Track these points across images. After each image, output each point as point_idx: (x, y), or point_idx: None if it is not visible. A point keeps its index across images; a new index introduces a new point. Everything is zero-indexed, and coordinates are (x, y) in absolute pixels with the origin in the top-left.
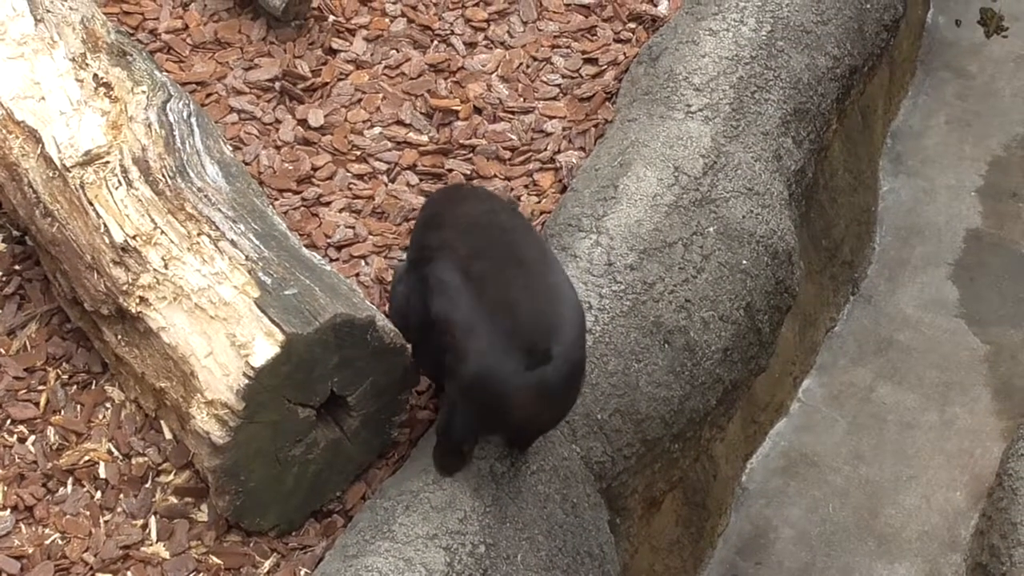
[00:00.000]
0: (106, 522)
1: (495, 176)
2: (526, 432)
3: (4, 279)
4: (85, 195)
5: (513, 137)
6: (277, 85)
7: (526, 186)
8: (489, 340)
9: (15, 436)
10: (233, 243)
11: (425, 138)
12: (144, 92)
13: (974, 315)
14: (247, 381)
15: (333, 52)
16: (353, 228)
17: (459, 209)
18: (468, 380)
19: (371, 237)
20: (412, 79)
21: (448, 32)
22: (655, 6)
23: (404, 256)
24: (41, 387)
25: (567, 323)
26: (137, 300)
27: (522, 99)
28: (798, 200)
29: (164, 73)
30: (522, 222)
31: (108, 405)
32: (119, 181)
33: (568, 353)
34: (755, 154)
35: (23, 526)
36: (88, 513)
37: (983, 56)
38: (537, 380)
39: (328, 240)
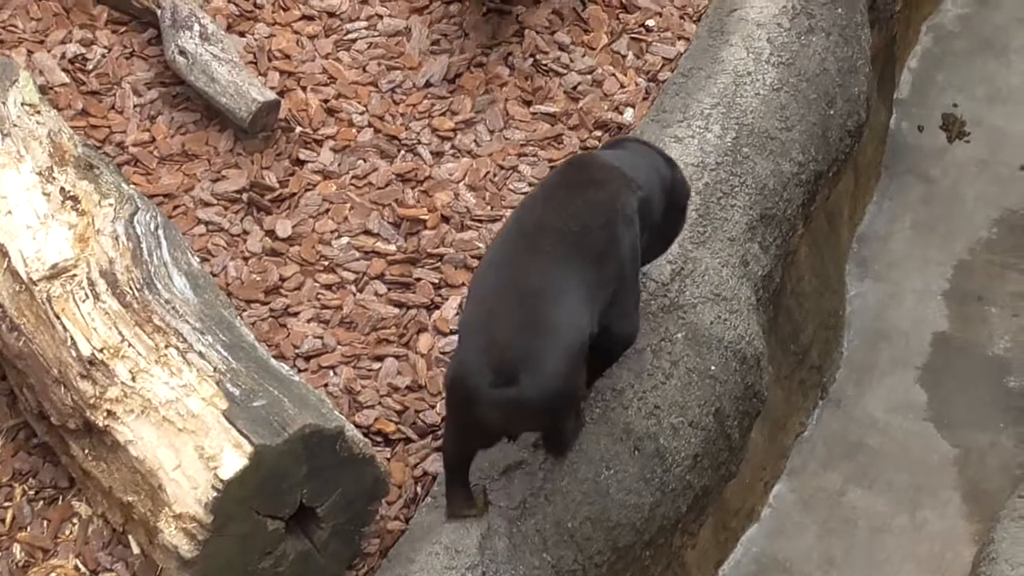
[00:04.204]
0: None
1: (463, 284)
2: (502, 436)
3: None
4: (52, 308)
5: (481, 245)
6: (244, 196)
7: None
8: (467, 350)
9: None
10: (201, 355)
11: (393, 247)
12: (111, 205)
13: (942, 418)
14: (215, 494)
15: (300, 163)
16: (321, 338)
17: (528, 210)
18: (446, 382)
19: (339, 347)
20: (379, 189)
21: (415, 142)
22: (620, 114)
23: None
24: (7, 503)
25: (548, 355)
26: (104, 414)
27: (490, 207)
28: (766, 305)
29: (131, 186)
30: (579, 235)
31: (75, 520)
32: (86, 294)
33: (539, 382)
34: (722, 260)
35: None
36: None
37: (946, 161)
38: (503, 399)
39: (296, 350)
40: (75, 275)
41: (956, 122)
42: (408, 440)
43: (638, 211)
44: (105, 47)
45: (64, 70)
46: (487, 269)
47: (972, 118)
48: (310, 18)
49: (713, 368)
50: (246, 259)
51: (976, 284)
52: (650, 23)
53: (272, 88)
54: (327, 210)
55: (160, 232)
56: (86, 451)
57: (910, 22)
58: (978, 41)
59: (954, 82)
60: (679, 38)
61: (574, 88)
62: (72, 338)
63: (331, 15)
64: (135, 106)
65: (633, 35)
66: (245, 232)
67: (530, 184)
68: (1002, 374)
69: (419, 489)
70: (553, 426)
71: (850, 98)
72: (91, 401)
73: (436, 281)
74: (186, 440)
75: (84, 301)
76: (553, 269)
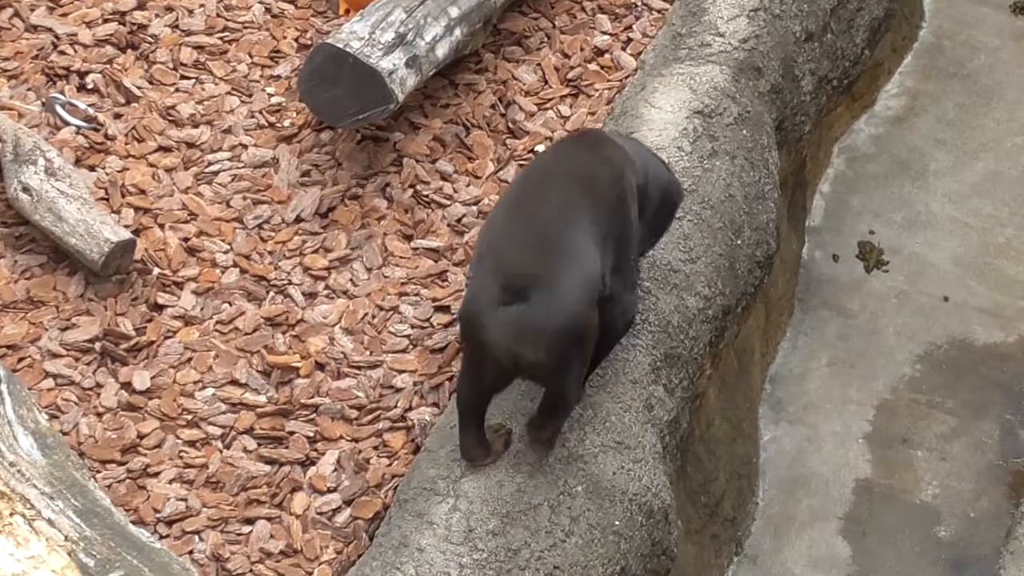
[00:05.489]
0: None
1: (341, 437)
2: (513, 373)
3: None
4: None
5: (360, 394)
6: (97, 346)
7: (375, 448)
8: (478, 276)
9: None
10: (51, 522)
11: (263, 398)
12: None
13: (867, 573)
14: None
15: (159, 308)
16: (185, 500)
17: (548, 152)
18: (460, 312)
19: (205, 510)
20: (247, 334)
21: (285, 282)
22: None
23: None
24: None
25: (562, 276)
26: None
27: (368, 352)
28: (673, 453)
29: None
30: (590, 181)
31: None
32: None
33: (549, 300)
34: (624, 404)
35: None
36: None
37: (864, 292)
38: (511, 317)
39: (157, 515)
40: None
41: (873, 250)
42: None
43: (636, 194)
44: None
45: None
46: (497, 211)
47: (890, 246)
48: (167, 149)
49: (617, 523)
50: (100, 415)
51: (900, 426)
52: (539, 148)
53: (126, 226)
54: (189, 359)
55: (3, 387)
56: None
57: (821, 144)
58: (894, 163)
59: (870, 207)
60: None
61: (458, 220)
62: None
63: (190, 146)
64: None
65: (522, 162)
66: (99, 385)
67: (413, 326)
68: (931, 523)
69: None
70: (558, 366)
71: (758, 226)
72: None
73: (311, 434)
74: None
75: None
76: (567, 204)
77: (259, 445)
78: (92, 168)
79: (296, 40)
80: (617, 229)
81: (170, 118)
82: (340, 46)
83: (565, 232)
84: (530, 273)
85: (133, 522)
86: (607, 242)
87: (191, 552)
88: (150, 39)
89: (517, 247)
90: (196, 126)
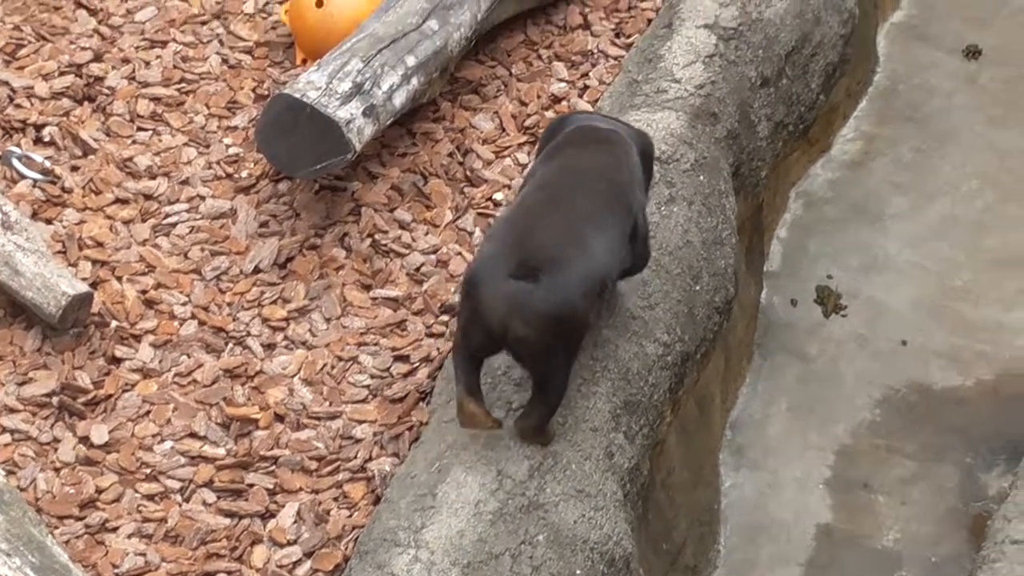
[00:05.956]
0: None
1: (301, 489)
2: (500, 342)
3: None
4: None
5: (319, 445)
6: (55, 400)
7: (336, 499)
8: (496, 243)
9: None
10: None
11: (222, 451)
12: None
13: None
14: None
15: (117, 361)
16: (144, 555)
17: (570, 148)
18: (466, 272)
19: (165, 565)
20: (206, 387)
21: (244, 333)
22: None
23: None
24: None
25: (574, 268)
26: None
27: (328, 403)
28: (634, 500)
29: None
30: (616, 185)
31: None
32: None
33: (557, 286)
34: (584, 452)
35: None
36: None
37: (823, 337)
38: (515, 290)
39: (116, 570)
40: None
41: (831, 295)
42: None
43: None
44: None
45: None
46: (531, 192)
47: (848, 290)
48: (124, 201)
49: (579, 572)
50: (58, 470)
51: (861, 470)
52: (498, 196)
53: (84, 279)
54: (148, 412)
55: None
56: None
57: (778, 188)
58: (851, 208)
59: (827, 252)
60: None
61: (417, 269)
62: None
63: (148, 197)
64: None
65: (480, 210)
66: (56, 440)
67: (372, 376)
68: (892, 568)
69: None
70: (542, 347)
71: (716, 272)
72: None
73: (271, 487)
74: None
75: None
76: (599, 205)
77: (218, 498)
78: (49, 221)
79: (253, 91)
80: (630, 224)
81: (127, 170)
82: (297, 96)
83: (589, 229)
84: (548, 257)
85: None
86: (623, 244)
87: None
88: (107, 91)
89: (545, 231)
90: (153, 178)
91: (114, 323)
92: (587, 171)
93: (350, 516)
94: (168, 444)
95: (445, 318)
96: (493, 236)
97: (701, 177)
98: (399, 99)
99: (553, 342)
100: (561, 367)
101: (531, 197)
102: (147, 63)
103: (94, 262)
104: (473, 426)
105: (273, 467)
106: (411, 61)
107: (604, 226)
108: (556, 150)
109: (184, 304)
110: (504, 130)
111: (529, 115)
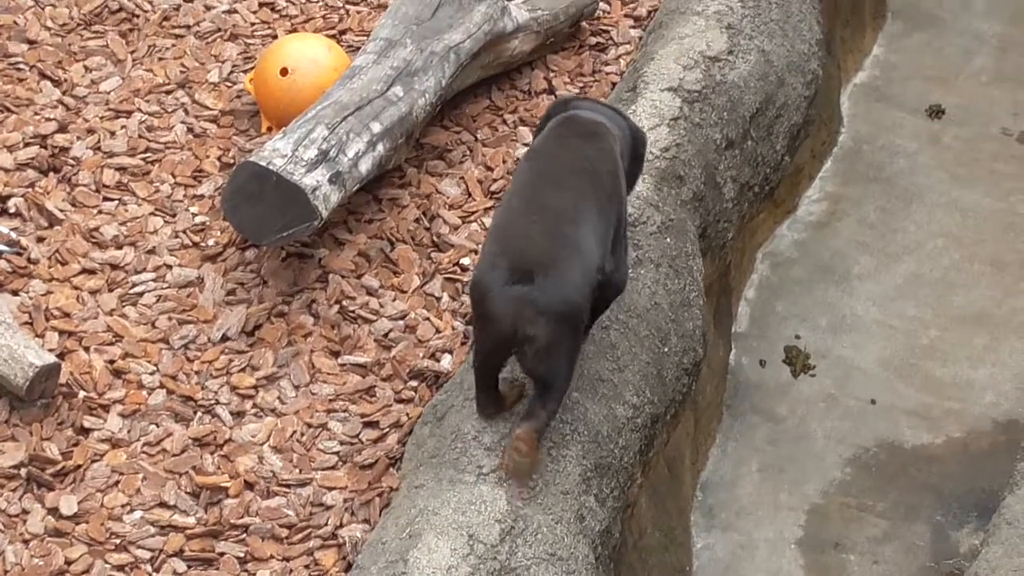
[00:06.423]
0: None
1: (272, 557)
2: (512, 343)
3: None
4: None
5: (290, 513)
6: (23, 471)
7: (307, 566)
8: (490, 253)
9: None
10: None
11: (192, 520)
12: None
13: None
14: None
15: (85, 431)
16: None
17: (544, 156)
18: (470, 284)
19: None
20: (175, 456)
21: (213, 402)
22: (437, 361)
23: None
24: None
25: (566, 265)
26: None
27: (298, 470)
28: (606, 563)
29: None
30: (596, 176)
31: None
32: None
33: (552, 285)
34: (555, 516)
35: None
36: None
37: (792, 397)
38: (515, 294)
39: None
40: None
41: (800, 355)
42: None
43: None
44: None
45: None
46: (513, 195)
47: (817, 350)
48: (91, 272)
49: None
50: (26, 542)
51: (832, 530)
52: (465, 261)
53: (51, 350)
54: (117, 482)
55: None
56: None
57: (744, 250)
58: (817, 268)
59: (795, 312)
60: None
61: (385, 335)
62: None
63: (114, 267)
64: None
65: (447, 275)
66: (24, 511)
67: (342, 443)
68: None
69: None
70: (551, 343)
71: (685, 334)
72: None
73: (242, 555)
74: None
75: None
76: (578, 200)
77: (189, 567)
78: (15, 292)
79: (219, 159)
80: (614, 214)
81: (93, 240)
82: (263, 164)
83: (573, 226)
84: (538, 260)
85: None
86: (607, 232)
87: None
88: (72, 162)
89: (529, 235)
90: (120, 247)
91: (82, 393)
92: (565, 168)
93: None
94: (138, 514)
95: (414, 383)
96: (487, 242)
97: (668, 239)
98: (365, 165)
99: (559, 336)
100: (567, 362)
101: (513, 198)
102: (112, 133)
103: (61, 332)
104: (501, 409)
105: (244, 535)
106: (376, 128)
107: (586, 219)
108: (544, 142)
109: (152, 373)
110: (470, 195)
111: (495, 180)
